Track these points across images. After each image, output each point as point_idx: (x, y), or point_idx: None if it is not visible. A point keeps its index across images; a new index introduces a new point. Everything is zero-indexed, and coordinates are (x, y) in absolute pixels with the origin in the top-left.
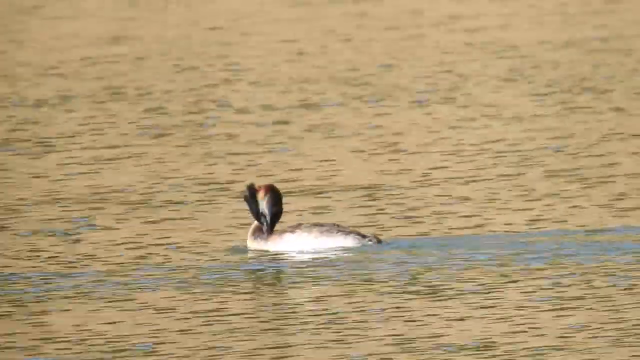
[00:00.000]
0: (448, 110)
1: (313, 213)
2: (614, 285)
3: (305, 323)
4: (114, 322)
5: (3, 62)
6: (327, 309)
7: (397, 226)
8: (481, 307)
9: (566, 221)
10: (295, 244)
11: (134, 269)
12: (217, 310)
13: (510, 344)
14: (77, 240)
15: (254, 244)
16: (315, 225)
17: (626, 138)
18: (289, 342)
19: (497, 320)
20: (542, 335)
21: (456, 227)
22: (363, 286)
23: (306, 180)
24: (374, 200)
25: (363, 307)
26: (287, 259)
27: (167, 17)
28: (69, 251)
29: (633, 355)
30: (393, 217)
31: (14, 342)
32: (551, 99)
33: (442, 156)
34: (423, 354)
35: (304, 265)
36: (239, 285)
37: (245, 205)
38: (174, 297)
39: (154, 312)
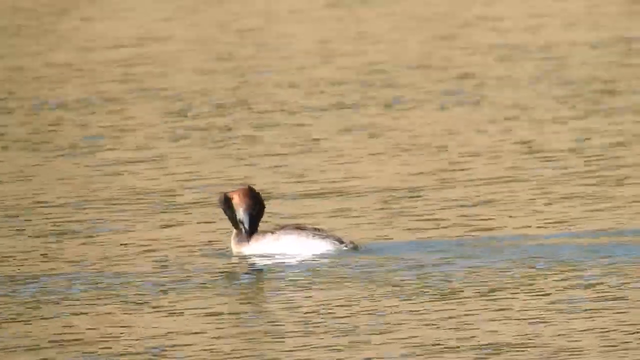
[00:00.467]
0: (475, 112)
1: (332, 216)
2: (632, 289)
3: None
4: (130, 324)
5: (34, 63)
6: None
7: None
8: (490, 310)
9: (589, 222)
10: (276, 248)
11: (153, 272)
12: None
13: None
14: (98, 243)
15: (236, 248)
16: (297, 228)
17: None
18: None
19: (508, 323)
20: (556, 337)
21: (478, 229)
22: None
23: (334, 182)
24: (394, 202)
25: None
26: (268, 263)
27: (199, 17)
28: (88, 253)
29: None
30: (413, 219)
31: (32, 344)
32: (576, 100)
33: (467, 157)
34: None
35: (284, 269)
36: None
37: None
38: (188, 299)
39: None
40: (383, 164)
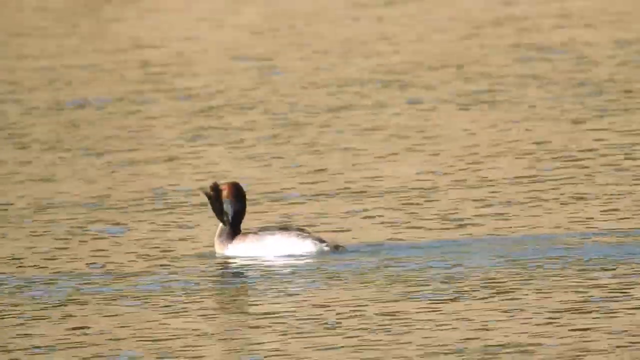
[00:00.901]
0: (495, 112)
1: (350, 216)
2: None
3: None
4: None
5: (56, 63)
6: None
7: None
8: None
9: (610, 222)
10: (258, 248)
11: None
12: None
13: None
14: (116, 243)
15: (220, 249)
16: (280, 229)
17: None
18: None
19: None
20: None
21: (505, 228)
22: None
23: (355, 182)
24: (414, 202)
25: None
26: (251, 263)
27: (224, 18)
28: (107, 252)
29: None
30: (430, 220)
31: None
32: (596, 100)
33: (485, 158)
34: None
35: (266, 269)
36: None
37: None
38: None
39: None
40: (403, 164)
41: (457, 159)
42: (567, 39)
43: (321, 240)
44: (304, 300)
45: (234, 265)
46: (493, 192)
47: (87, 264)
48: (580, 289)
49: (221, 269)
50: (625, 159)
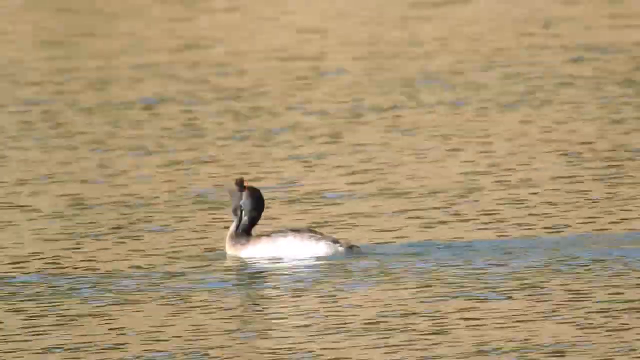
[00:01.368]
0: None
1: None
2: None
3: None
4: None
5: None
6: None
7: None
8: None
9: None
10: (271, 250)
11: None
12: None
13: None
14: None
15: (231, 250)
16: (292, 230)
17: None
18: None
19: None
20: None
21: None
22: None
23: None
24: (454, 202)
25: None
26: (264, 265)
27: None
28: (144, 251)
29: None
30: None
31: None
32: (634, 101)
33: (531, 159)
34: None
35: (279, 271)
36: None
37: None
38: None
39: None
40: (446, 164)
41: (502, 159)
42: (616, 40)
43: (335, 241)
44: (337, 299)
45: (263, 266)
46: (535, 192)
47: (129, 266)
48: (621, 290)
49: (247, 269)
50: None
